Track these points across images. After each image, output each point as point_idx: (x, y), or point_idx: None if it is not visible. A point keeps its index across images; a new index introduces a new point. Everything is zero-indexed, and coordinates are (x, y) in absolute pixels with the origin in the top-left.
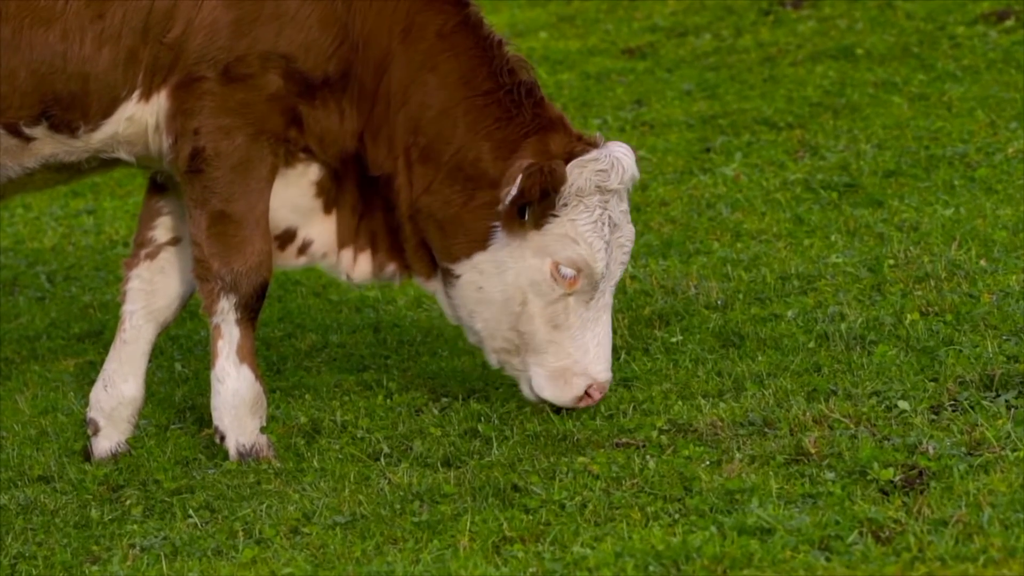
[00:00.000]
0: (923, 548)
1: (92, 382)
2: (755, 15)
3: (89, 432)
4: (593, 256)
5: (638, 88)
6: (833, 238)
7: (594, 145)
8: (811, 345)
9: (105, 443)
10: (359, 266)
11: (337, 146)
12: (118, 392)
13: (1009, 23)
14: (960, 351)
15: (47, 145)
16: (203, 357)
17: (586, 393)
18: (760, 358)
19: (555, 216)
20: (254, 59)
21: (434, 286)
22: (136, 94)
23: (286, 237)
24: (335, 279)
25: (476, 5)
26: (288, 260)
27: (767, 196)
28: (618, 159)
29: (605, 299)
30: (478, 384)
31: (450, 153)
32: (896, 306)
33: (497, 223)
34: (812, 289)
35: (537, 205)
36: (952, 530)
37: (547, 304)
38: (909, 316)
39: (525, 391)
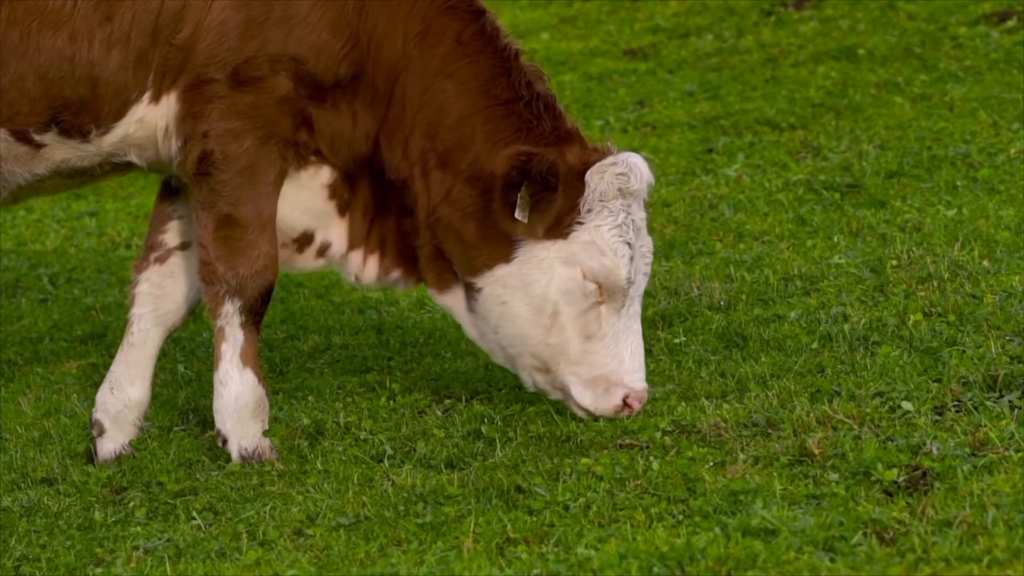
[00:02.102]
0: (927, 549)
1: (95, 384)
2: (757, 16)
3: (94, 433)
4: (616, 264)
5: (640, 89)
6: (836, 239)
7: (608, 152)
8: (814, 346)
9: (109, 445)
10: (368, 269)
11: (349, 149)
12: (124, 395)
13: (1011, 23)
14: (963, 352)
15: (58, 151)
16: (206, 359)
17: (625, 403)
18: (763, 359)
19: (580, 223)
20: (263, 61)
21: (447, 300)
22: (147, 96)
23: (304, 240)
24: (338, 281)
25: (493, 14)
26: (307, 263)
27: (769, 197)
28: (635, 163)
29: (635, 308)
30: (481, 386)
31: (468, 161)
32: (899, 307)
33: (520, 236)
34: (815, 290)
35: (531, 197)
36: (956, 531)
37: (579, 313)
38: (912, 317)
39: (574, 409)
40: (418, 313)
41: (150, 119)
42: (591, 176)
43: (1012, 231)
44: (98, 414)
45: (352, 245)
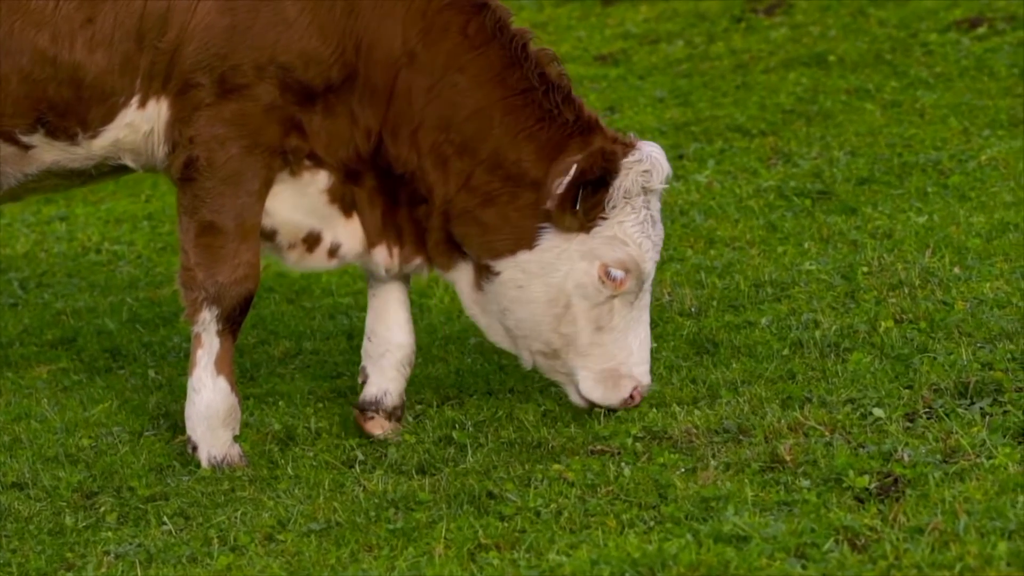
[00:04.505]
0: (899, 556)
1: (65, 389)
2: (727, 22)
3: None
4: (642, 256)
5: (611, 95)
6: (807, 245)
7: (632, 146)
8: (785, 352)
9: (372, 389)
10: (394, 260)
11: (348, 149)
12: (383, 340)
13: (982, 30)
14: (934, 358)
15: (48, 153)
16: (176, 364)
17: (631, 395)
18: (734, 365)
19: (604, 219)
20: (249, 69)
21: (452, 276)
22: (135, 100)
23: (311, 240)
24: (308, 286)
25: (499, 5)
26: (319, 262)
27: (740, 203)
28: (656, 158)
29: (645, 299)
30: (452, 391)
31: (487, 151)
32: (870, 313)
33: (545, 224)
34: (786, 296)
35: (590, 194)
36: (928, 538)
37: (592, 307)
38: (883, 323)
39: (573, 397)
40: None
41: (138, 123)
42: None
43: (983, 238)
44: (364, 362)
45: (372, 243)
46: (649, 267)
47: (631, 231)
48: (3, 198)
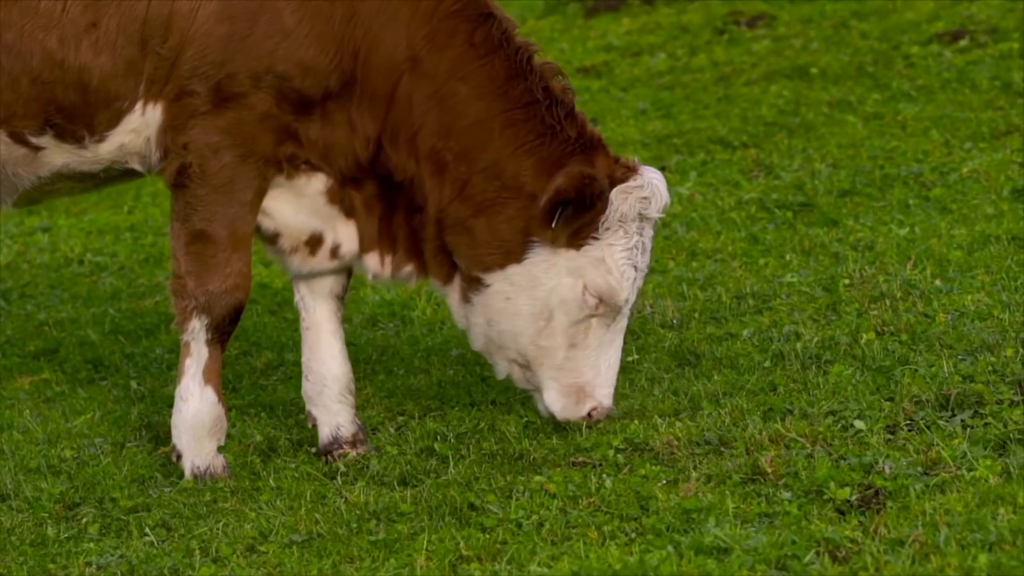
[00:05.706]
0: (880, 568)
1: (47, 400)
2: (710, 34)
3: (309, 424)
4: (621, 287)
5: (593, 107)
6: (788, 257)
7: (634, 170)
8: (767, 364)
9: (325, 431)
10: (385, 267)
11: (346, 157)
12: (318, 377)
13: (963, 43)
14: (916, 371)
15: (57, 156)
16: (159, 375)
17: (588, 413)
18: (716, 377)
19: (595, 239)
20: (245, 78)
21: (448, 291)
22: (139, 105)
23: (314, 242)
24: (290, 298)
25: (504, 16)
26: (322, 263)
27: (722, 215)
28: (656, 186)
29: (622, 323)
30: (434, 403)
31: (486, 161)
32: (851, 325)
33: (535, 238)
34: (767, 308)
35: (571, 213)
36: (909, 550)
37: (571, 323)
38: (864, 336)
39: (540, 408)
40: (371, 330)
41: (142, 129)
42: (616, 196)
43: (964, 250)
44: (308, 407)
45: (366, 247)
46: (623, 298)
47: (618, 257)
48: (19, 201)
